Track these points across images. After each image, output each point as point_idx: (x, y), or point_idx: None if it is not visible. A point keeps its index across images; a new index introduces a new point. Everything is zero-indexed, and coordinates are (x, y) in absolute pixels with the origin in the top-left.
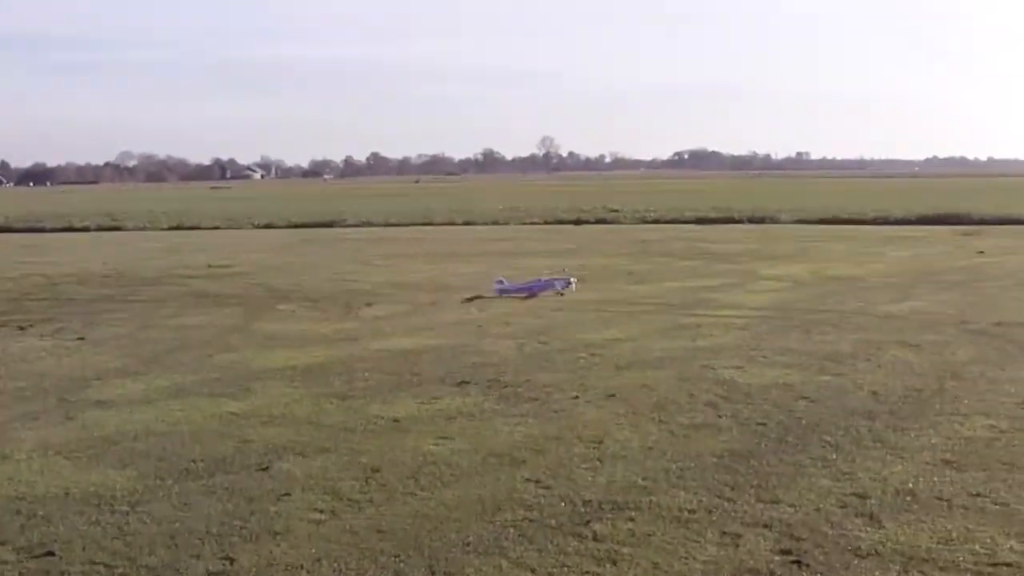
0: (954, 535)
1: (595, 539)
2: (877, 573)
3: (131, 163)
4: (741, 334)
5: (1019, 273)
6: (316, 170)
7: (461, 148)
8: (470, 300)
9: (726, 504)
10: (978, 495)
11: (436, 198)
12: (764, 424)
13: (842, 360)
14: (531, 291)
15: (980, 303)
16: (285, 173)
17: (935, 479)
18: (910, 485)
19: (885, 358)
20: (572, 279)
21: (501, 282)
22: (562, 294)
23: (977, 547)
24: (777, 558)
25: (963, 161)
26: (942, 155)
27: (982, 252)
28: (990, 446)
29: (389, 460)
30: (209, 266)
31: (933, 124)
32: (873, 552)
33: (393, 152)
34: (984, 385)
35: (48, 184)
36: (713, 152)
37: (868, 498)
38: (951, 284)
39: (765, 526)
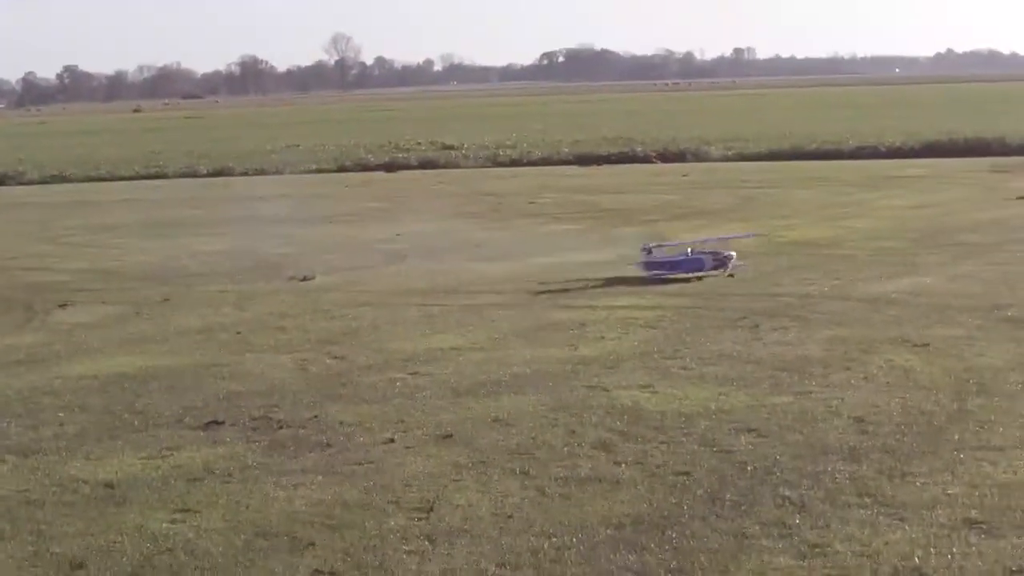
0: None
1: None
2: None
3: None
4: (650, 335)
5: None
6: None
7: (207, 56)
8: (553, 290)
9: None
10: (1022, 572)
11: (168, 135)
12: (687, 474)
13: (808, 371)
14: (682, 269)
15: (1021, 276)
16: None
17: (954, 550)
18: (916, 560)
19: (875, 366)
20: (732, 253)
21: (649, 251)
22: (731, 274)
23: None
24: None
25: (992, 57)
26: (960, 48)
27: (1023, 197)
28: None
29: (99, 549)
30: None
31: (946, 2)
32: None
33: (99, 66)
34: None
35: None
36: (603, 52)
37: None
38: (975, 248)
39: None
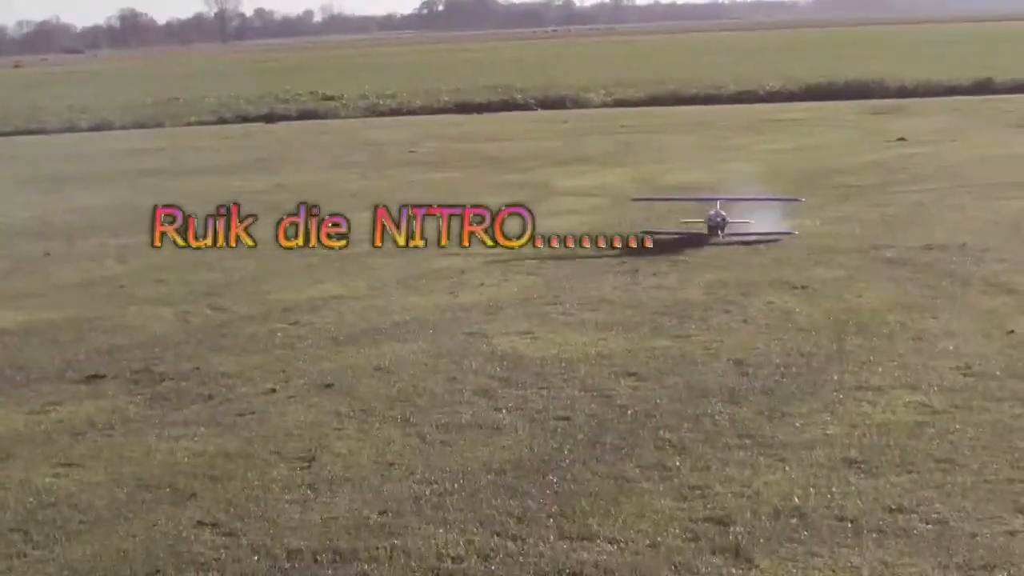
0: (866, 574)
1: None
2: None
3: None
4: (529, 281)
5: (958, 169)
6: None
7: (87, 11)
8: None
9: (510, 545)
10: (900, 511)
11: (48, 90)
12: (567, 419)
13: (688, 314)
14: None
15: (900, 217)
16: None
17: (834, 489)
18: (796, 500)
19: (754, 308)
20: (725, 216)
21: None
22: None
23: None
24: None
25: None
26: None
27: (903, 139)
28: (917, 435)
29: None
30: None
31: None
32: None
33: None
34: (907, 343)
35: None
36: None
37: (732, 524)
38: (855, 190)
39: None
